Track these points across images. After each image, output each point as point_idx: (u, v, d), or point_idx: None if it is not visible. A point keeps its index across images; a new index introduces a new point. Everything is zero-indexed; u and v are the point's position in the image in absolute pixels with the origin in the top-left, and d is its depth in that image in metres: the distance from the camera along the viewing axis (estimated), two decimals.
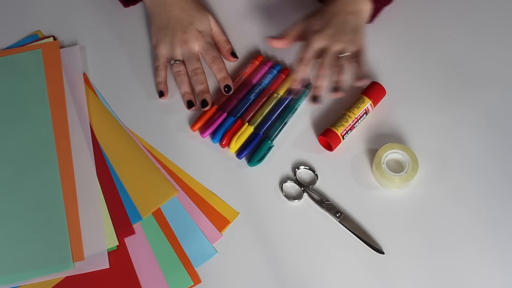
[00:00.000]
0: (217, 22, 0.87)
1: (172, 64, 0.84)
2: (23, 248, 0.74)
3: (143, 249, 0.74)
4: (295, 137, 0.81)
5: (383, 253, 0.73)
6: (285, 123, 0.82)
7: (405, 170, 0.76)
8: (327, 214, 0.76)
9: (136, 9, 0.93)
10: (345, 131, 0.78)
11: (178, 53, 0.84)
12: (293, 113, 0.82)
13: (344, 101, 0.81)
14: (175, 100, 0.85)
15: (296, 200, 0.77)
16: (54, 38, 0.90)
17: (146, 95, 0.86)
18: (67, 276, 0.72)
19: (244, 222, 0.76)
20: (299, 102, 0.83)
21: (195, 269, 0.73)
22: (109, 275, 0.72)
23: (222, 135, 0.80)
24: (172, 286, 0.72)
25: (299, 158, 0.80)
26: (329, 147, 0.79)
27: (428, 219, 0.75)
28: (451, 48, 0.87)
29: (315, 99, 0.76)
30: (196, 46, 0.84)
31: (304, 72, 0.76)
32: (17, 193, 0.78)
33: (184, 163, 0.80)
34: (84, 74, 0.87)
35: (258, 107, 0.83)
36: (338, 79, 0.76)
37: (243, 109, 0.83)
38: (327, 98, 0.82)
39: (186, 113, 0.84)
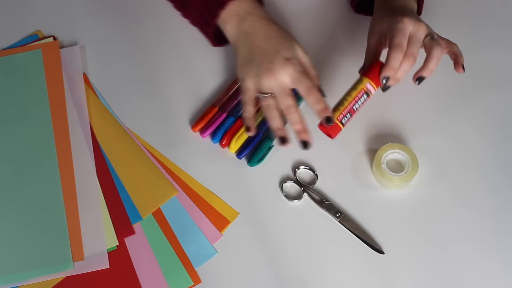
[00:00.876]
0: (306, 52, 0.76)
1: (260, 98, 0.76)
2: (23, 248, 0.74)
3: (143, 249, 0.74)
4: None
5: (383, 253, 0.73)
6: (285, 123, 0.81)
7: (405, 170, 0.76)
8: (327, 214, 0.76)
9: (135, 9, 0.93)
10: (342, 116, 0.74)
11: (266, 86, 0.74)
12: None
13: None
14: (175, 100, 0.85)
15: (296, 200, 0.77)
16: (54, 38, 0.90)
17: (146, 95, 0.86)
18: (67, 276, 0.72)
19: (244, 222, 0.76)
20: (299, 102, 0.83)
21: (195, 269, 0.73)
22: (109, 275, 0.72)
23: (222, 135, 0.81)
24: (172, 286, 0.72)
25: (299, 158, 0.80)
26: (330, 134, 0.77)
27: (428, 219, 0.75)
28: None
29: (420, 79, 0.73)
30: (286, 77, 0.73)
31: (398, 60, 0.72)
32: (17, 193, 0.78)
33: (184, 163, 0.80)
34: (84, 74, 0.87)
35: (258, 107, 0.83)
36: (431, 66, 0.73)
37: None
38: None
39: (186, 113, 0.84)
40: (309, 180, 0.79)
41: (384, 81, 0.73)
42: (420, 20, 0.74)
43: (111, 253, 0.74)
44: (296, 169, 0.79)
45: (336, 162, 0.79)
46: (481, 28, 0.89)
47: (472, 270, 0.72)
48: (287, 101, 0.74)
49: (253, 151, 0.80)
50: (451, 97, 0.83)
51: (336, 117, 0.73)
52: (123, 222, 0.75)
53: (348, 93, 0.74)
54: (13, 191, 0.78)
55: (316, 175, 0.78)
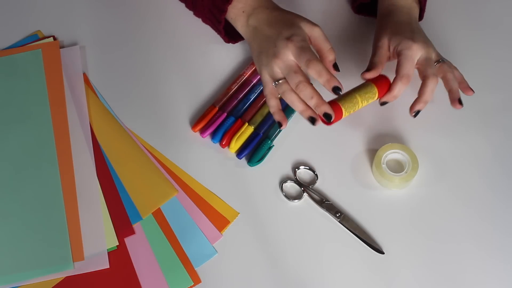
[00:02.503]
0: (318, 27, 0.75)
1: (275, 85, 0.74)
2: (23, 248, 0.74)
3: (143, 249, 0.74)
4: (295, 137, 0.81)
5: (383, 253, 0.73)
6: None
7: (405, 170, 0.76)
8: (327, 214, 0.76)
9: (135, 9, 0.93)
10: (348, 113, 0.74)
11: (277, 71, 0.73)
12: (293, 113, 0.82)
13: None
14: (175, 100, 0.85)
15: (296, 200, 0.77)
16: (54, 38, 0.90)
17: (146, 95, 0.86)
18: (67, 276, 0.72)
19: (244, 222, 0.76)
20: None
21: (195, 269, 0.73)
22: (109, 275, 0.72)
23: (222, 135, 0.80)
24: (172, 286, 0.72)
25: (299, 158, 0.80)
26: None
27: (428, 219, 0.75)
28: (451, 48, 0.87)
29: (416, 114, 0.75)
30: (289, 55, 0.72)
31: (402, 90, 0.74)
32: (17, 193, 0.78)
33: (184, 163, 0.80)
34: (84, 74, 0.87)
35: (258, 107, 0.83)
36: (453, 86, 0.75)
37: (243, 109, 0.83)
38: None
39: (186, 113, 0.84)
40: (309, 180, 0.79)
41: (381, 103, 0.76)
42: (427, 44, 0.75)
43: (111, 253, 0.74)
44: (296, 169, 0.79)
45: (336, 162, 0.79)
46: (480, 28, 0.89)
47: (472, 269, 0.72)
48: (296, 79, 0.71)
49: (253, 151, 0.80)
50: None
51: (345, 114, 0.74)
52: (123, 222, 0.75)
53: (363, 99, 0.74)
54: (13, 191, 0.78)
55: (316, 175, 0.78)
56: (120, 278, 0.72)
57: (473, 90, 0.77)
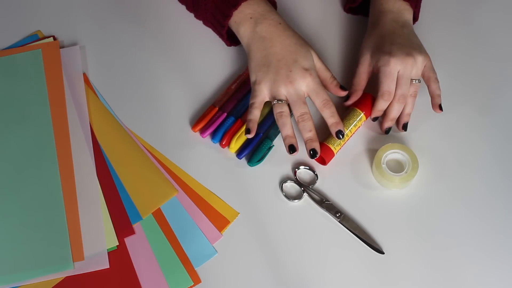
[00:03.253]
0: (319, 57, 0.79)
1: (274, 104, 0.76)
2: (23, 248, 0.74)
3: (143, 249, 0.74)
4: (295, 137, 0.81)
5: (383, 253, 0.73)
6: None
7: (405, 170, 0.76)
8: (327, 214, 0.76)
9: (135, 9, 0.93)
10: (340, 147, 0.79)
11: (282, 93, 0.75)
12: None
13: (338, 111, 0.80)
14: (175, 100, 0.85)
15: (296, 200, 0.77)
16: (54, 38, 0.90)
17: (146, 95, 0.86)
18: (67, 276, 0.72)
19: (244, 222, 0.76)
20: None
21: (195, 269, 0.73)
22: (109, 275, 0.72)
23: (222, 135, 0.80)
24: (172, 286, 0.72)
25: (299, 158, 0.80)
26: (323, 161, 0.79)
27: (428, 219, 0.75)
28: (450, 49, 0.87)
29: (387, 131, 0.79)
30: (303, 86, 0.75)
31: (385, 106, 0.77)
32: (17, 193, 0.78)
33: (184, 163, 0.80)
34: (84, 74, 0.87)
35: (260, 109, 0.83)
36: (408, 111, 0.78)
37: (243, 109, 0.83)
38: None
39: (186, 113, 0.84)
40: (309, 180, 0.79)
41: (373, 120, 0.79)
42: (408, 54, 0.75)
43: (111, 253, 0.74)
44: (296, 169, 0.79)
45: (336, 162, 0.79)
46: (480, 28, 0.89)
47: (472, 270, 0.72)
48: (303, 109, 0.75)
49: (253, 151, 0.80)
50: (451, 97, 0.82)
51: (337, 151, 0.78)
52: (123, 222, 0.75)
53: (349, 129, 0.78)
54: (13, 191, 0.78)
55: (316, 175, 0.78)
56: (120, 278, 0.72)
57: (441, 109, 0.78)
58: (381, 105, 0.77)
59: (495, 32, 0.89)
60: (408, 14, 0.80)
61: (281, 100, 0.76)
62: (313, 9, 0.92)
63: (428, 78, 0.78)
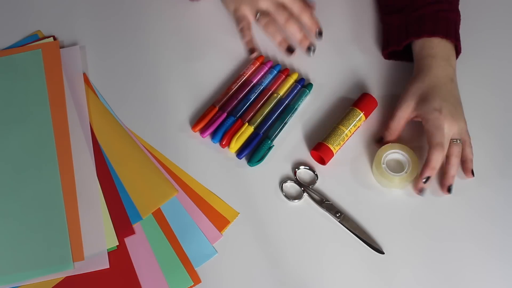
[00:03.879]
0: None
1: (258, 18, 0.84)
2: (23, 248, 0.74)
3: (143, 249, 0.74)
4: (295, 137, 0.81)
5: (383, 253, 0.73)
6: (285, 123, 0.82)
7: (405, 170, 0.76)
8: (327, 214, 0.76)
9: (135, 9, 0.93)
10: (339, 147, 0.78)
11: (263, 7, 0.84)
12: (293, 113, 0.82)
13: (337, 110, 0.81)
14: (175, 100, 0.85)
15: (296, 200, 0.77)
16: (54, 38, 0.90)
17: (146, 95, 0.86)
18: (67, 276, 0.72)
19: (244, 222, 0.76)
20: (299, 102, 0.83)
21: (195, 269, 0.73)
22: (109, 275, 0.72)
23: (222, 135, 0.80)
24: (172, 286, 0.72)
25: (299, 158, 0.80)
26: (322, 161, 0.79)
27: (428, 219, 0.75)
28: None
29: (421, 191, 0.74)
30: None
31: (441, 161, 0.73)
32: (17, 193, 0.78)
33: (184, 163, 0.80)
34: (84, 74, 0.87)
35: (258, 107, 0.83)
36: (453, 173, 0.75)
37: (243, 109, 0.83)
38: (322, 111, 0.82)
39: (186, 113, 0.84)
40: (309, 180, 0.79)
41: (424, 181, 0.73)
42: (453, 116, 0.74)
43: (111, 253, 0.74)
44: (296, 169, 0.79)
45: (336, 162, 0.79)
46: (480, 28, 0.89)
47: (472, 270, 0.72)
48: (285, 15, 0.82)
49: (253, 151, 0.80)
50: None
51: (336, 151, 0.78)
52: (123, 222, 0.75)
53: (348, 128, 0.78)
54: (13, 191, 0.78)
55: (316, 175, 0.78)
56: (120, 278, 0.72)
57: (473, 175, 0.76)
58: (435, 159, 0.72)
59: (493, 31, 0.89)
60: (454, 59, 0.79)
61: (263, 14, 0.83)
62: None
63: (464, 141, 0.76)
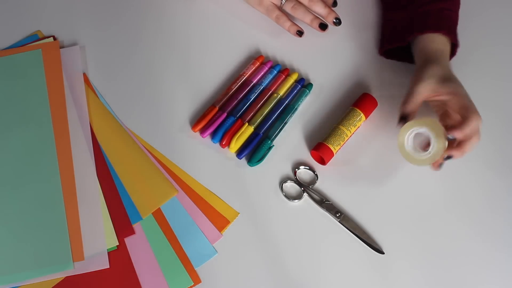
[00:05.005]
0: None
1: (283, 4, 0.87)
2: (23, 248, 0.74)
3: (143, 249, 0.74)
4: (295, 137, 0.81)
5: (383, 253, 0.73)
6: (285, 123, 0.82)
7: (429, 150, 0.71)
8: (327, 214, 0.76)
9: (135, 9, 0.93)
10: (339, 147, 0.78)
11: None
12: (293, 113, 0.82)
13: (337, 110, 0.81)
14: (175, 100, 0.85)
15: (296, 200, 0.77)
16: (54, 38, 0.90)
17: (146, 95, 0.86)
18: (67, 276, 0.72)
19: (244, 222, 0.76)
20: (299, 102, 0.83)
21: (195, 269, 0.73)
22: (109, 275, 0.72)
23: (222, 135, 0.81)
24: (172, 286, 0.72)
25: (299, 158, 0.80)
26: (322, 161, 0.79)
27: (428, 219, 0.75)
28: None
29: (439, 166, 0.72)
30: None
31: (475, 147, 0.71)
32: (17, 193, 0.78)
33: (184, 163, 0.80)
34: (84, 74, 0.87)
35: (258, 107, 0.83)
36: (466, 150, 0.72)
37: (243, 109, 0.83)
38: (321, 113, 0.82)
39: (186, 113, 0.84)
40: (309, 180, 0.79)
41: (445, 159, 0.71)
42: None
43: (111, 253, 0.74)
44: (296, 169, 0.79)
45: (335, 162, 0.79)
46: (480, 26, 0.89)
47: (472, 269, 0.72)
48: None
49: (253, 151, 0.80)
50: None
51: (336, 151, 0.78)
52: (123, 222, 0.75)
53: (348, 128, 0.78)
54: (13, 191, 0.78)
55: (316, 175, 0.78)
56: (120, 278, 0.72)
57: (447, 159, 0.72)
58: (471, 148, 0.71)
59: (495, 31, 0.89)
60: (446, 50, 0.79)
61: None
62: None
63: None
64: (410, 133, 0.73)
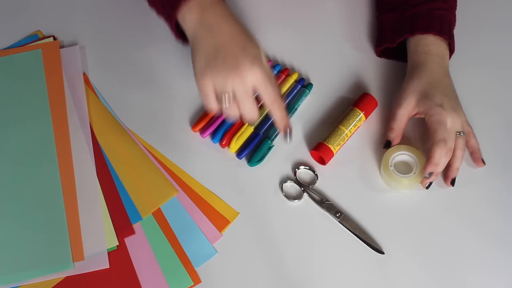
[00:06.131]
0: (267, 60, 0.72)
1: (222, 96, 0.70)
2: (23, 248, 0.74)
3: (143, 249, 0.74)
4: (295, 137, 0.81)
5: (383, 253, 0.73)
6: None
7: (413, 171, 0.75)
8: (327, 214, 0.76)
9: (135, 9, 0.93)
10: (339, 147, 0.78)
11: (229, 88, 0.69)
12: (293, 113, 0.82)
13: (337, 110, 0.81)
14: (175, 100, 0.85)
15: (296, 200, 0.77)
16: (54, 38, 0.90)
17: (146, 95, 0.86)
18: (67, 276, 0.72)
19: (244, 222, 0.76)
20: (299, 102, 0.83)
21: (195, 269, 0.73)
22: (109, 275, 0.72)
23: (222, 135, 0.81)
24: (172, 286, 0.72)
25: (299, 158, 0.80)
26: (322, 161, 0.79)
27: (428, 219, 0.75)
28: None
29: (428, 187, 0.75)
30: (252, 78, 0.69)
31: (442, 156, 0.72)
32: (17, 193, 0.78)
33: (184, 163, 0.80)
34: (84, 74, 0.87)
35: (258, 107, 0.83)
36: (457, 165, 0.75)
37: None
38: (322, 109, 0.82)
39: (186, 113, 0.84)
40: (309, 180, 0.79)
41: (427, 175, 0.73)
42: (455, 109, 0.74)
43: (111, 253, 0.74)
44: (296, 169, 0.79)
45: (335, 162, 0.79)
46: (480, 25, 0.89)
47: (473, 270, 0.72)
48: (248, 106, 0.70)
49: (253, 151, 0.80)
50: None
51: (336, 151, 0.78)
52: (123, 222, 0.75)
53: (348, 128, 0.78)
54: (13, 191, 0.78)
55: (316, 175, 0.78)
56: (120, 278, 0.72)
57: (484, 163, 0.77)
58: (438, 155, 0.72)
59: (495, 30, 0.89)
60: (447, 57, 0.79)
61: (227, 93, 0.69)
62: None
63: (468, 132, 0.77)
64: (393, 157, 0.76)
